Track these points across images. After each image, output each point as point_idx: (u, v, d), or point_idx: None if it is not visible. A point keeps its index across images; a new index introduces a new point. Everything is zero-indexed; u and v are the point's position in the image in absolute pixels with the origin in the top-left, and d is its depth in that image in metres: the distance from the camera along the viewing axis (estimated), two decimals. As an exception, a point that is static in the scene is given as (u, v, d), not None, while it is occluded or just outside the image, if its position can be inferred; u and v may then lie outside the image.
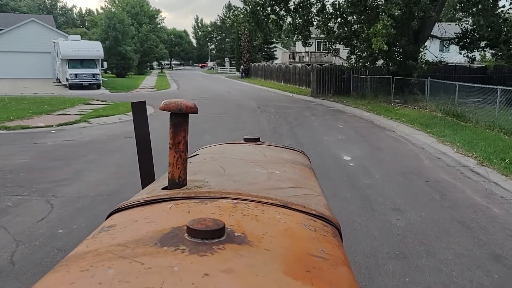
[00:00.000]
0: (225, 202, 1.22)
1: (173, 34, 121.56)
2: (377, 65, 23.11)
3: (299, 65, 35.35)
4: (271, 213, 1.20)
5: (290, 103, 21.68)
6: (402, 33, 19.18)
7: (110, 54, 48.51)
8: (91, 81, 28.86)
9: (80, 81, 28.61)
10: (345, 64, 24.05)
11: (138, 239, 0.97)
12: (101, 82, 29.66)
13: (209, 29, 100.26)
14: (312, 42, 49.85)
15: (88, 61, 29.77)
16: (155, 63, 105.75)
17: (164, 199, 1.25)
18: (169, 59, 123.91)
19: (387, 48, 16.17)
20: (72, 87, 28.73)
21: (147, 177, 1.98)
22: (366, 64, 20.65)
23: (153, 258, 0.87)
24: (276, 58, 63.45)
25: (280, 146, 2.34)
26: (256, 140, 2.31)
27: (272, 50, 63.85)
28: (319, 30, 25.07)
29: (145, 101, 2.11)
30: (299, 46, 51.59)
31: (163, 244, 0.93)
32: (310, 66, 30.35)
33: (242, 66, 51.43)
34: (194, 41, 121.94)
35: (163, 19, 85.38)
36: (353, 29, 22.13)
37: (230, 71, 64.81)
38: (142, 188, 1.74)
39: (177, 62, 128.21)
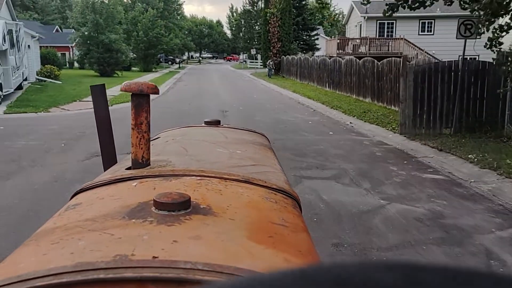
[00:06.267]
0: (189, 179, 1.25)
1: (202, 24, 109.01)
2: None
3: (353, 58, 20.74)
4: (234, 188, 1.25)
5: (366, 195, 7.42)
6: None
7: (90, 44, 35.60)
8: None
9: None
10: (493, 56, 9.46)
11: (106, 214, 0.98)
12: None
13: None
14: (361, 21, 34.58)
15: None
16: (185, 56, 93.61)
17: (128, 178, 1.26)
18: (199, 52, 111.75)
19: None
20: None
21: (109, 159, 1.90)
22: None
23: (122, 229, 0.89)
24: (318, 49, 48.62)
25: (240, 128, 2.39)
26: (217, 123, 2.30)
27: (312, 38, 49.11)
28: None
29: (104, 84, 2.04)
30: (350, 31, 36.67)
31: (131, 217, 0.95)
32: (390, 61, 15.85)
33: (270, 61, 37.04)
34: (228, 32, 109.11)
35: (181, 3, 72.05)
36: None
37: (260, 65, 50.62)
38: (104, 170, 1.71)
39: (209, 55, 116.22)
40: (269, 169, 1.59)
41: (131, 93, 1.34)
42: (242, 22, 74.08)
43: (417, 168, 7.79)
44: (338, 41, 30.88)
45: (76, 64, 47.59)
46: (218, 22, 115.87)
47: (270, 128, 12.04)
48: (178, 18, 69.00)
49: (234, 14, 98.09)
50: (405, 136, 10.52)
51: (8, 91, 17.75)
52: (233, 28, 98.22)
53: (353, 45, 30.55)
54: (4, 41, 16.97)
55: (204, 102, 18.62)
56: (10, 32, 18.66)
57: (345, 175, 7.29)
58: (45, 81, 25.48)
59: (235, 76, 40.58)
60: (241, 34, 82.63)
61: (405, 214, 5.47)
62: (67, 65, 47.86)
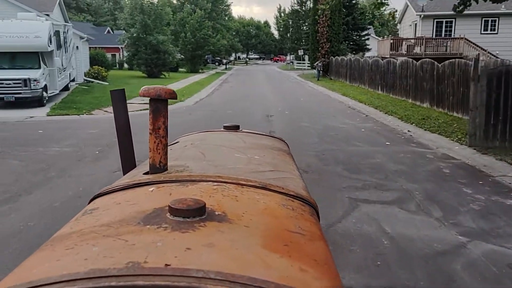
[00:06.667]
0: (206, 185, 1.24)
1: (250, 25, 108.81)
2: None
3: (409, 59, 19.24)
4: (251, 194, 1.23)
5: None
6: None
7: (138, 45, 35.81)
8: (19, 94, 15.52)
9: (-2, 93, 15.44)
10: None
11: (121, 220, 0.99)
12: (42, 93, 16.21)
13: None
14: (416, 20, 32.07)
15: (22, 55, 16.49)
16: (232, 57, 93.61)
17: (145, 183, 1.27)
18: (246, 53, 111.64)
19: None
20: (-14, 103, 15.73)
21: (128, 164, 1.90)
22: None
23: (136, 235, 0.89)
24: (369, 50, 46.83)
25: (259, 133, 2.34)
26: (235, 128, 2.28)
27: (363, 38, 47.33)
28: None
29: (124, 89, 2.01)
30: (404, 30, 34.77)
31: (146, 223, 0.95)
32: (452, 63, 14.31)
33: (318, 62, 35.68)
34: (276, 33, 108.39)
35: (229, 4, 71.84)
36: None
37: (308, 66, 49.41)
38: (123, 174, 1.72)
39: (255, 56, 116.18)
40: (287, 175, 1.58)
41: (149, 98, 1.32)
42: (290, 23, 73.01)
43: (496, 191, 6.53)
44: (392, 41, 29.20)
45: (125, 65, 48.23)
46: (266, 23, 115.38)
47: (319, 136, 11.02)
48: (226, 19, 68.90)
49: (282, 15, 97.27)
50: (475, 149, 9.17)
51: (53, 92, 17.71)
52: (281, 29, 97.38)
53: (407, 45, 28.78)
54: (50, 42, 16.90)
55: (249, 105, 17.81)
56: (57, 33, 18.66)
57: (410, 198, 6.16)
58: (92, 82, 25.63)
59: (282, 78, 39.67)
60: (288, 35, 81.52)
61: (494, 258, 4.32)
62: (117, 66, 48.71)
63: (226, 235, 0.91)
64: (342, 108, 17.44)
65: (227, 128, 2.29)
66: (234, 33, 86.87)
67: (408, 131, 12.03)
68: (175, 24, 48.08)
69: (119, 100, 1.94)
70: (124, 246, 0.84)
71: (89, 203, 1.28)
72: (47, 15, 25.51)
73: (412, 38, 29.82)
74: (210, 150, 1.80)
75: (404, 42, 29.16)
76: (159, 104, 1.33)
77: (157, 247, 0.83)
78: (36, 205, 5.66)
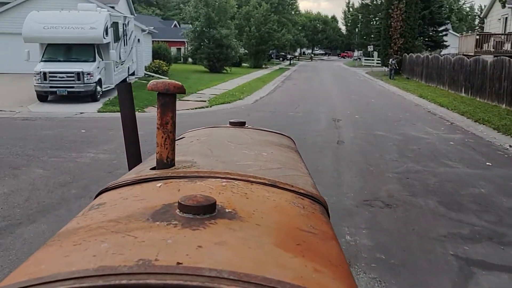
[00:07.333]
0: (215, 181, 1.21)
1: (317, 20, 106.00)
2: None
3: (505, 58, 16.45)
4: (260, 191, 1.20)
5: None
6: None
7: (202, 39, 35.02)
8: (72, 87, 14.82)
9: (52, 87, 14.79)
10: None
11: (129, 215, 0.97)
12: (96, 88, 15.44)
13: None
14: (507, 14, 27.81)
15: (77, 47, 15.79)
16: (297, 53, 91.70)
17: (153, 178, 1.24)
18: (311, 48, 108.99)
19: None
20: (40, 97, 15.17)
21: (133, 159, 1.84)
22: None
23: (146, 232, 0.87)
24: (447, 47, 43.01)
25: (266, 130, 2.31)
26: (242, 124, 2.24)
27: (440, 34, 43.51)
28: None
29: (130, 82, 1.99)
30: (491, 25, 31.11)
31: (155, 219, 0.93)
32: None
33: (392, 59, 32.69)
34: (343, 28, 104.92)
35: (296, -2, 69.76)
36: None
37: (377, 63, 46.43)
38: (129, 169, 1.68)
39: (321, 52, 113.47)
40: (296, 172, 1.55)
41: (157, 92, 1.28)
42: (359, 17, 69.59)
43: None
44: (478, 37, 25.98)
45: (189, 59, 47.93)
46: (333, 17, 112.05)
47: (399, 151, 9.07)
48: (292, 13, 66.95)
49: (351, 9, 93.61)
50: None
51: (108, 86, 16.95)
52: (349, 24, 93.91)
53: (495, 41, 25.47)
54: (106, 33, 16.08)
55: (313, 106, 16.03)
56: (115, 25, 17.89)
57: (549, 264, 4.20)
58: (152, 76, 24.96)
59: (349, 75, 37.32)
60: (356, 30, 77.99)
61: None
62: (182, 60, 48.51)
63: (238, 233, 0.89)
64: (421, 113, 15.17)
65: (233, 124, 2.22)
66: (300, 27, 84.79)
67: (510, 146, 9.75)
68: (240, 18, 47.04)
69: (125, 93, 1.86)
70: (133, 243, 0.82)
71: (95, 198, 1.23)
72: (112, 7, 25.14)
73: (501, 34, 26.42)
74: (217, 146, 1.76)
75: (492, 38, 25.85)
76: (168, 99, 1.29)
77: (167, 244, 0.81)
78: (32, 242, 4.37)
